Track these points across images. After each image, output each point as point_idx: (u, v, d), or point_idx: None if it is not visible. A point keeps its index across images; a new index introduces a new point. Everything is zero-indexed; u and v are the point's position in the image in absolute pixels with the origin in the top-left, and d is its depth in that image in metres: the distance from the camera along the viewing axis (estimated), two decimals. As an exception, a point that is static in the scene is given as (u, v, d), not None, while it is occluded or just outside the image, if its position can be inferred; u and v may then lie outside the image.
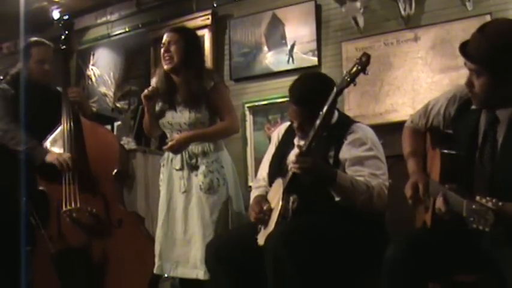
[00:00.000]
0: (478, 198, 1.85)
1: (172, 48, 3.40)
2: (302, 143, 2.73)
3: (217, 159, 3.42)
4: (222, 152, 3.48)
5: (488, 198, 1.83)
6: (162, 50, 3.45)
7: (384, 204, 2.75)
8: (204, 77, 3.43)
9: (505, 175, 2.11)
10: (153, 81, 3.58)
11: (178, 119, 3.43)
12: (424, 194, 2.32)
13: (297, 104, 2.83)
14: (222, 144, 3.52)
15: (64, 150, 3.67)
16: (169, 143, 3.38)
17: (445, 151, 2.33)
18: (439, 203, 2.10)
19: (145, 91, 3.47)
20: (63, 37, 3.92)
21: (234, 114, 3.57)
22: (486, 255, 2.16)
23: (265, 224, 2.83)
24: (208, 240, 3.20)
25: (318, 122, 2.61)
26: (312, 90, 2.83)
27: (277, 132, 3.20)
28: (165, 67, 3.43)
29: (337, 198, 2.69)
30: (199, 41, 3.69)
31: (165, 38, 3.46)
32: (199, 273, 3.27)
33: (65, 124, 3.72)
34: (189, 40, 3.48)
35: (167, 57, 3.41)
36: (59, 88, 3.96)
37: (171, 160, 3.46)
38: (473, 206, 1.85)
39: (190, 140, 3.39)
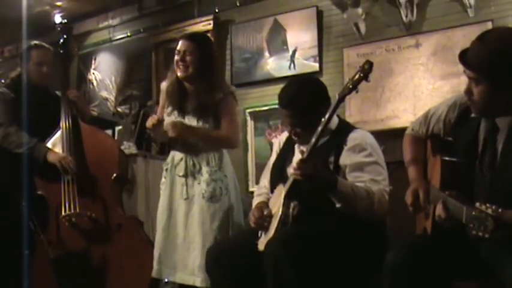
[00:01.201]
0: (477, 204, 1.85)
1: (188, 58, 3.33)
2: (304, 148, 2.73)
3: (220, 169, 3.40)
4: (224, 160, 3.47)
5: (488, 204, 1.82)
6: (176, 57, 3.37)
7: (384, 211, 2.73)
8: (216, 88, 3.39)
9: (504, 183, 2.10)
10: (163, 85, 3.55)
11: None
12: (424, 201, 2.31)
13: (286, 107, 2.85)
14: (226, 154, 3.50)
15: (63, 153, 3.67)
16: (171, 129, 3.32)
17: (446, 158, 2.33)
18: (439, 209, 2.09)
19: (150, 123, 3.40)
20: (61, 41, 3.92)
21: (236, 128, 3.51)
22: (486, 262, 2.15)
23: (265, 229, 2.82)
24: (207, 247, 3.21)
25: (319, 128, 2.61)
26: (297, 93, 2.86)
27: (279, 140, 3.20)
28: (179, 75, 3.38)
29: (338, 205, 2.68)
30: (214, 49, 3.62)
31: (180, 45, 3.38)
32: (197, 280, 3.25)
33: (64, 128, 3.72)
34: (205, 50, 3.41)
35: (182, 67, 3.35)
36: (58, 92, 3.97)
37: (175, 166, 3.44)
38: (473, 213, 1.85)
39: (191, 132, 3.35)
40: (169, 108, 3.47)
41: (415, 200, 2.34)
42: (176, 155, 3.45)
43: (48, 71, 3.98)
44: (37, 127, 3.72)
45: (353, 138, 2.80)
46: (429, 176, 2.50)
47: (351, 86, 2.55)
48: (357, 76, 2.54)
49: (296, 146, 2.96)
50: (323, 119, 2.62)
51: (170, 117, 3.45)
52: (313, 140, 2.62)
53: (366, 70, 2.51)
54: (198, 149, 3.41)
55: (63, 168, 3.59)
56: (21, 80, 3.94)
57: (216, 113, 3.38)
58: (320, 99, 2.85)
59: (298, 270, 2.50)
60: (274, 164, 3.09)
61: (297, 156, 2.86)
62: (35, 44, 4.01)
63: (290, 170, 2.88)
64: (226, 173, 3.42)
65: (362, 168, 2.73)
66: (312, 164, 2.61)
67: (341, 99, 2.60)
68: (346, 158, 2.76)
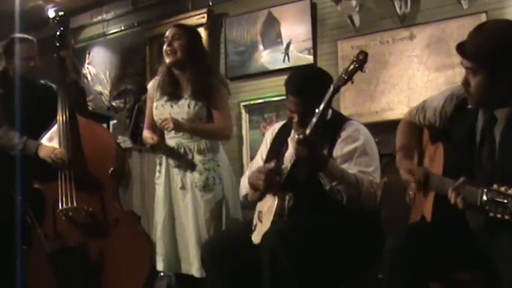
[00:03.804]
0: (495, 186, 1.84)
1: (176, 43, 3.43)
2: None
3: (213, 158, 3.43)
4: (218, 150, 3.49)
5: (506, 186, 1.82)
6: (165, 46, 3.47)
7: (371, 202, 2.74)
8: (211, 73, 3.47)
9: (504, 173, 2.10)
10: (150, 85, 3.60)
11: (176, 115, 3.42)
12: (421, 177, 2.34)
13: (297, 94, 2.78)
14: (218, 144, 3.53)
15: (60, 147, 3.67)
16: (167, 124, 3.33)
17: (448, 144, 2.34)
18: (458, 201, 2.04)
19: (150, 145, 3.46)
20: (58, 33, 3.89)
21: (229, 120, 3.56)
22: (483, 252, 2.17)
23: (274, 189, 2.80)
24: (202, 239, 3.27)
25: (314, 120, 2.60)
26: (311, 80, 2.82)
27: (271, 131, 3.18)
28: (168, 60, 3.45)
29: (326, 187, 2.67)
30: (201, 38, 3.71)
31: (168, 33, 3.48)
32: (193, 269, 3.29)
33: (61, 122, 3.70)
34: (192, 36, 3.51)
35: (170, 51, 3.43)
36: (42, 81, 3.97)
37: (168, 158, 3.47)
38: (490, 195, 1.85)
39: (187, 129, 3.39)
40: (162, 100, 3.49)
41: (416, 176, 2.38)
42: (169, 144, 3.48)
43: (34, 65, 3.95)
44: (28, 120, 3.70)
45: (347, 129, 2.80)
46: (427, 165, 2.52)
47: (346, 77, 2.54)
48: (351, 67, 2.52)
49: (290, 139, 2.96)
50: (317, 110, 2.61)
51: (165, 109, 3.47)
52: (314, 120, 2.60)
53: (361, 60, 2.50)
54: (189, 138, 3.43)
55: (55, 162, 3.59)
56: (6, 75, 3.92)
57: (209, 100, 3.41)
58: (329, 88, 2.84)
59: (294, 262, 2.51)
60: (268, 155, 3.08)
61: (291, 150, 2.87)
62: (19, 38, 3.95)
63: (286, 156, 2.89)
64: (220, 163, 3.44)
65: (351, 159, 2.74)
66: (313, 137, 2.60)
67: (336, 90, 2.58)
68: (338, 150, 2.77)
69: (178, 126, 3.35)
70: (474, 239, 2.20)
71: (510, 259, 1.99)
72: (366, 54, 2.50)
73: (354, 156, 2.74)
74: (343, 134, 2.79)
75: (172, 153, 3.46)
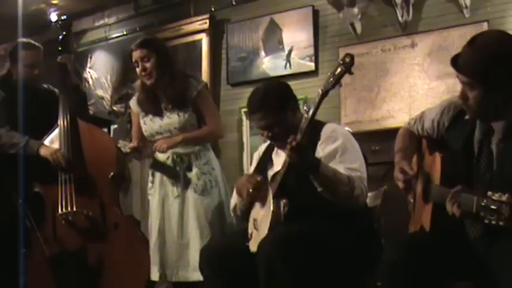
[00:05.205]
0: (490, 193, 1.85)
1: (147, 64, 3.45)
2: (283, 153, 2.76)
3: (208, 162, 3.48)
4: (210, 154, 3.55)
5: (500, 193, 1.83)
6: (137, 69, 3.49)
7: (363, 198, 2.77)
8: (179, 76, 3.50)
9: (503, 185, 2.10)
10: (133, 103, 3.64)
11: (167, 126, 3.46)
12: (412, 171, 2.40)
13: (257, 110, 2.86)
14: (209, 146, 3.58)
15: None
16: (160, 146, 3.39)
17: (445, 153, 2.34)
18: (453, 209, 2.06)
19: (130, 148, 3.47)
20: (60, 37, 3.89)
21: (219, 118, 3.65)
22: (482, 262, 2.16)
23: (261, 200, 2.84)
24: (206, 241, 3.28)
25: (304, 125, 2.59)
26: (263, 94, 2.88)
27: (258, 153, 3.24)
28: (148, 84, 3.48)
29: (319, 189, 2.67)
30: (166, 47, 3.74)
31: (135, 56, 3.50)
32: (200, 275, 3.28)
33: (62, 126, 3.71)
34: (159, 51, 3.52)
35: (145, 75, 3.47)
36: (45, 85, 3.97)
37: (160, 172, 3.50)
38: (484, 201, 1.85)
39: (180, 142, 3.43)
40: (149, 116, 3.53)
41: (405, 177, 2.40)
42: (160, 156, 3.49)
43: (38, 73, 3.94)
44: (29, 124, 3.70)
45: (326, 131, 2.85)
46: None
47: (333, 81, 2.53)
48: (338, 70, 2.52)
49: (274, 155, 3.01)
50: (306, 116, 2.62)
51: (154, 123, 3.50)
52: (299, 135, 2.60)
53: (348, 63, 2.50)
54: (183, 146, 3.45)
55: (55, 161, 3.59)
56: (10, 80, 3.92)
57: (195, 106, 3.46)
58: (287, 95, 2.93)
59: (291, 270, 2.51)
60: (254, 172, 3.12)
61: (276, 164, 2.91)
62: (27, 44, 3.95)
63: (271, 173, 2.94)
64: (214, 166, 3.49)
65: (335, 158, 2.76)
66: (304, 142, 2.62)
67: (324, 94, 2.58)
68: (320, 151, 2.80)
69: (171, 143, 3.40)
70: (473, 248, 2.20)
71: (509, 268, 1.99)
72: (352, 57, 2.50)
73: (337, 154, 2.77)
74: (323, 136, 2.83)
75: (164, 168, 3.49)
